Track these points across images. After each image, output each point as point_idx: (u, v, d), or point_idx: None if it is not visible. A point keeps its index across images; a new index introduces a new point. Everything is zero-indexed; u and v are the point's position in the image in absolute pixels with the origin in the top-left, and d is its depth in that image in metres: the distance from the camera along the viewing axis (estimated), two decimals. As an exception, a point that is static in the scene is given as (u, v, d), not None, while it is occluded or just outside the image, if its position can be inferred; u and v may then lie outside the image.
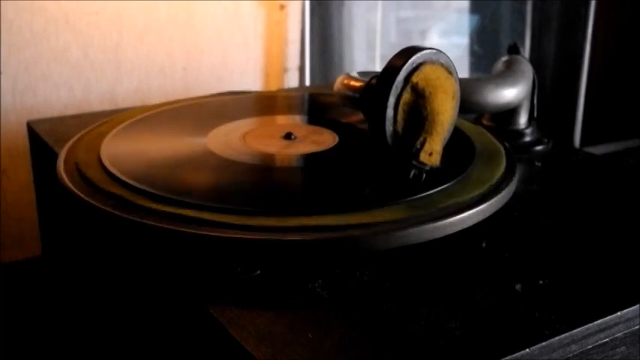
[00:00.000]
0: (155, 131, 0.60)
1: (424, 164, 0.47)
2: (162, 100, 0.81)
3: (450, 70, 0.50)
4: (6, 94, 0.82)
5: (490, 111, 0.63)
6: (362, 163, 0.53)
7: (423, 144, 0.47)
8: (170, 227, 0.42)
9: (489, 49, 1.30)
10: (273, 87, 0.99)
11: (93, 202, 0.45)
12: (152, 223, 0.42)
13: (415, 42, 1.25)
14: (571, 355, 0.36)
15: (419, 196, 0.46)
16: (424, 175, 0.47)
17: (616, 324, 0.38)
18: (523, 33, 1.29)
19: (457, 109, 0.51)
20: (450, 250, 0.44)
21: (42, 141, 0.62)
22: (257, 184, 0.50)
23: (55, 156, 0.54)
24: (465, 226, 0.45)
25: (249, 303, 0.38)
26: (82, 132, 0.59)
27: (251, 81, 0.97)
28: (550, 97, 1.32)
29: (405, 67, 0.48)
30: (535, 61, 1.28)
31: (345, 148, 0.55)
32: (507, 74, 0.62)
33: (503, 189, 0.48)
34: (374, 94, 0.49)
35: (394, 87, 0.47)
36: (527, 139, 0.63)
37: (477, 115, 0.66)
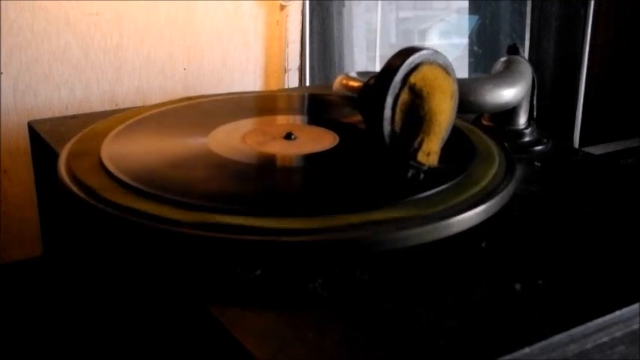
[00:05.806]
0: (155, 131, 0.60)
1: (422, 164, 0.47)
2: (163, 100, 0.81)
3: (447, 70, 0.50)
4: (7, 95, 0.82)
5: (489, 111, 0.63)
6: (362, 164, 0.54)
7: (420, 144, 0.47)
8: (170, 228, 0.42)
9: (489, 50, 1.30)
10: (273, 87, 0.99)
11: (93, 202, 0.46)
12: (152, 223, 0.42)
13: (415, 42, 1.25)
14: (570, 354, 0.36)
15: (419, 196, 0.46)
16: (422, 175, 0.47)
17: (615, 323, 0.38)
18: (522, 33, 1.29)
19: (455, 110, 0.51)
20: (450, 250, 0.44)
21: (43, 141, 0.62)
22: (257, 185, 0.50)
23: (56, 156, 0.54)
24: (465, 227, 0.45)
25: (249, 303, 0.38)
26: (83, 132, 0.59)
27: (251, 81, 0.97)
28: (549, 98, 1.33)
29: (402, 68, 0.48)
30: (534, 61, 1.28)
31: (345, 148, 0.56)
32: (506, 74, 0.62)
33: (502, 189, 0.48)
34: (372, 94, 0.49)
35: (392, 87, 0.48)
36: (527, 139, 0.63)
37: (476, 116, 0.66)
